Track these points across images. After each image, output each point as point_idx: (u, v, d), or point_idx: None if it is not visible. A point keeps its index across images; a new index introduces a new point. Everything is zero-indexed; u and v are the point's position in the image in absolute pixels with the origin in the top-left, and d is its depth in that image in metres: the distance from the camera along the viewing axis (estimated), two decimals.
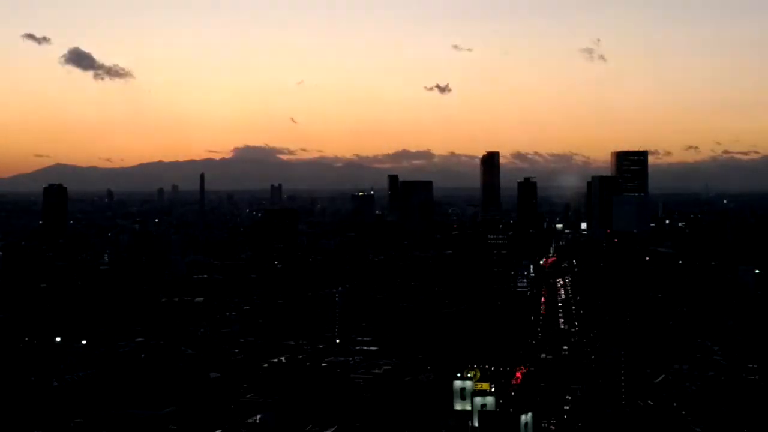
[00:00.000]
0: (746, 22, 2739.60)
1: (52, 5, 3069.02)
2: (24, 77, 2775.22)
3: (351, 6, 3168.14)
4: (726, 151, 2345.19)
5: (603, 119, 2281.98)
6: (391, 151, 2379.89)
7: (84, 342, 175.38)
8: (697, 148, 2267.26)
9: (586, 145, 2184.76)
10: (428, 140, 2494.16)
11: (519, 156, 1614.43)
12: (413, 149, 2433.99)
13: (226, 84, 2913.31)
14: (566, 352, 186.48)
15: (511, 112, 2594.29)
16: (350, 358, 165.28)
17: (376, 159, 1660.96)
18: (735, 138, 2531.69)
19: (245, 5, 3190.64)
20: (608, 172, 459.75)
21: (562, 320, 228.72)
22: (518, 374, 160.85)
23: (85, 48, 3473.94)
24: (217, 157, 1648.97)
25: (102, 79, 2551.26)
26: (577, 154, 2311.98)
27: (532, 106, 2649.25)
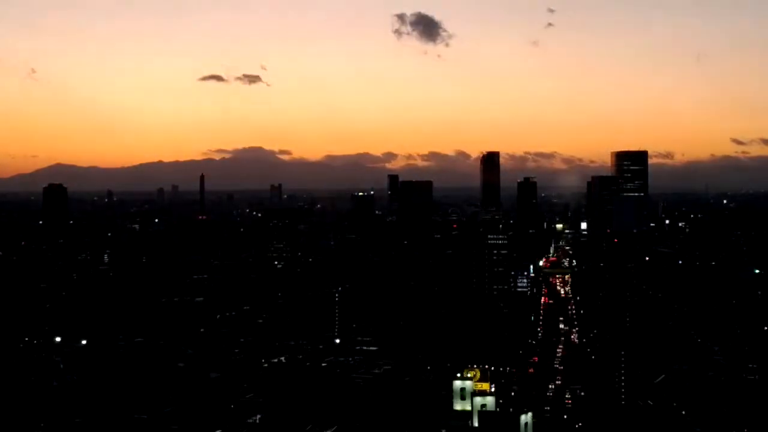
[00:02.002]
0: (749, 21, 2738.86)
1: None
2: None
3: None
4: (726, 151, 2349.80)
5: (603, 119, 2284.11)
6: (385, 152, 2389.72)
7: (84, 342, 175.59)
8: (697, 148, 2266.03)
9: (586, 145, 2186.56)
10: (430, 140, 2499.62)
11: (519, 156, 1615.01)
12: (415, 149, 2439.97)
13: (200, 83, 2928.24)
14: (566, 352, 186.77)
15: (512, 112, 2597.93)
16: (350, 358, 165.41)
17: (374, 159, 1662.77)
18: (735, 138, 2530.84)
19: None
20: (608, 172, 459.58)
21: (562, 320, 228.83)
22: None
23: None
24: (217, 157, 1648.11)
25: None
26: (576, 155, 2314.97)
27: (533, 106, 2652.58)
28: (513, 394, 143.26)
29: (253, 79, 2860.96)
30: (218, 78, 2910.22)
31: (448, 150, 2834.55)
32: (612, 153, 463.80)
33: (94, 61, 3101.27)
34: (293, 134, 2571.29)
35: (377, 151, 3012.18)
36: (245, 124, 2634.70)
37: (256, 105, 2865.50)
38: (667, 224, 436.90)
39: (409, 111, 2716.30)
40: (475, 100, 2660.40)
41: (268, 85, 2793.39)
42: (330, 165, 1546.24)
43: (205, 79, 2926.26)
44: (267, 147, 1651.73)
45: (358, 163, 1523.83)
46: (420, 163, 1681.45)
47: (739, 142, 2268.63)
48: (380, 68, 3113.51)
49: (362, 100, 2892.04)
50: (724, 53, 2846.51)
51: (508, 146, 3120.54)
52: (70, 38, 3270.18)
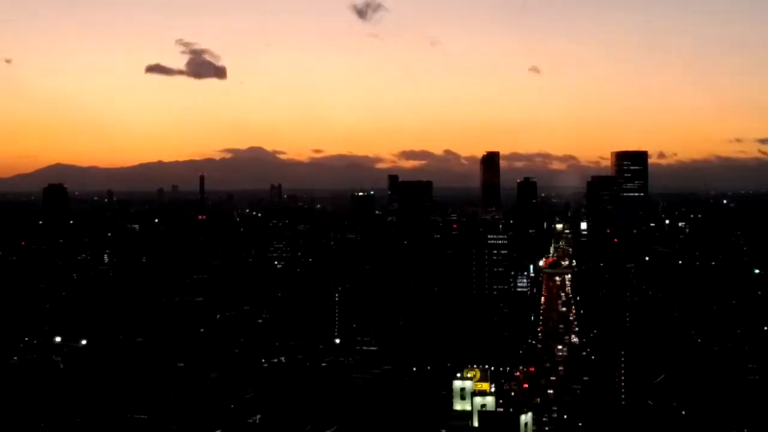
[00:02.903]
0: (749, 21, 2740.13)
1: None
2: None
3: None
4: (726, 151, 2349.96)
5: (603, 119, 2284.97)
6: (392, 151, 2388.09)
7: (84, 342, 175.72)
8: (697, 148, 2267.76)
9: (586, 145, 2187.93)
10: (429, 140, 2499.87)
11: (519, 156, 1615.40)
12: (414, 149, 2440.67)
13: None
14: (566, 353, 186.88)
15: (512, 112, 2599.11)
16: (350, 358, 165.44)
17: (376, 159, 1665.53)
18: (735, 138, 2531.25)
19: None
20: (608, 172, 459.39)
21: (562, 320, 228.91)
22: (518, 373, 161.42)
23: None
24: (217, 157, 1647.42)
25: None
26: (576, 155, 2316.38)
27: (533, 107, 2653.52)
28: (513, 394, 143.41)
29: (221, 74, 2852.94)
30: (181, 73, 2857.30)
31: (437, 150, 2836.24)
32: (612, 153, 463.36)
33: (67, 56, 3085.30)
34: (277, 133, 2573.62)
35: (361, 151, 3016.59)
36: (240, 123, 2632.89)
37: (239, 104, 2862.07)
38: (667, 224, 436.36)
39: (393, 111, 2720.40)
40: (469, 100, 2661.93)
41: (241, 82, 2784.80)
42: (330, 165, 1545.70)
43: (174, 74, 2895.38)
44: (249, 146, 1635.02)
45: (354, 163, 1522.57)
46: (413, 163, 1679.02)
47: (739, 142, 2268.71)
48: (362, 66, 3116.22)
49: (339, 98, 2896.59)
50: (725, 53, 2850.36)
51: (505, 146, 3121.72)
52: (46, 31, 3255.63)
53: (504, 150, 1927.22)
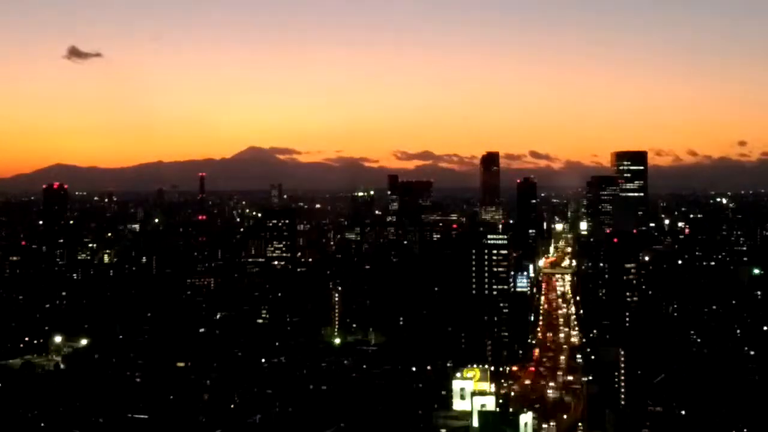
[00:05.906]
0: (749, 21, 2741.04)
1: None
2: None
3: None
4: (726, 152, 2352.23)
5: (603, 119, 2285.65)
6: (391, 151, 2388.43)
7: (84, 342, 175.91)
8: (696, 148, 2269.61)
9: (586, 145, 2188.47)
10: (429, 140, 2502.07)
11: (518, 156, 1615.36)
12: (414, 149, 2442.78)
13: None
14: (566, 352, 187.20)
15: (512, 112, 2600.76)
16: (350, 358, 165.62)
17: (375, 159, 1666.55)
18: (735, 138, 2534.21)
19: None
20: (608, 172, 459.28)
21: (562, 320, 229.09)
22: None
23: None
24: (217, 157, 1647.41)
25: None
26: (576, 155, 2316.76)
27: (532, 107, 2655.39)
28: (513, 394, 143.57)
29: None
30: None
31: (437, 150, 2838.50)
32: (612, 153, 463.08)
33: None
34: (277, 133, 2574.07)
35: (360, 151, 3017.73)
36: (241, 123, 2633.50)
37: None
38: (667, 224, 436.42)
39: (394, 110, 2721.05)
40: (467, 100, 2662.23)
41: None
42: (330, 165, 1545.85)
43: None
44: (249, 146, 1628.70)
45: (354, 163, 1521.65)
46: (413, 163, 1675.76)
47: (740, 143, 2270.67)
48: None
49: (339, 98, 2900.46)
50: (725, 53, 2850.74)
51: (508, 146, 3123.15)
52: None
53: (503, 150, 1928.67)
